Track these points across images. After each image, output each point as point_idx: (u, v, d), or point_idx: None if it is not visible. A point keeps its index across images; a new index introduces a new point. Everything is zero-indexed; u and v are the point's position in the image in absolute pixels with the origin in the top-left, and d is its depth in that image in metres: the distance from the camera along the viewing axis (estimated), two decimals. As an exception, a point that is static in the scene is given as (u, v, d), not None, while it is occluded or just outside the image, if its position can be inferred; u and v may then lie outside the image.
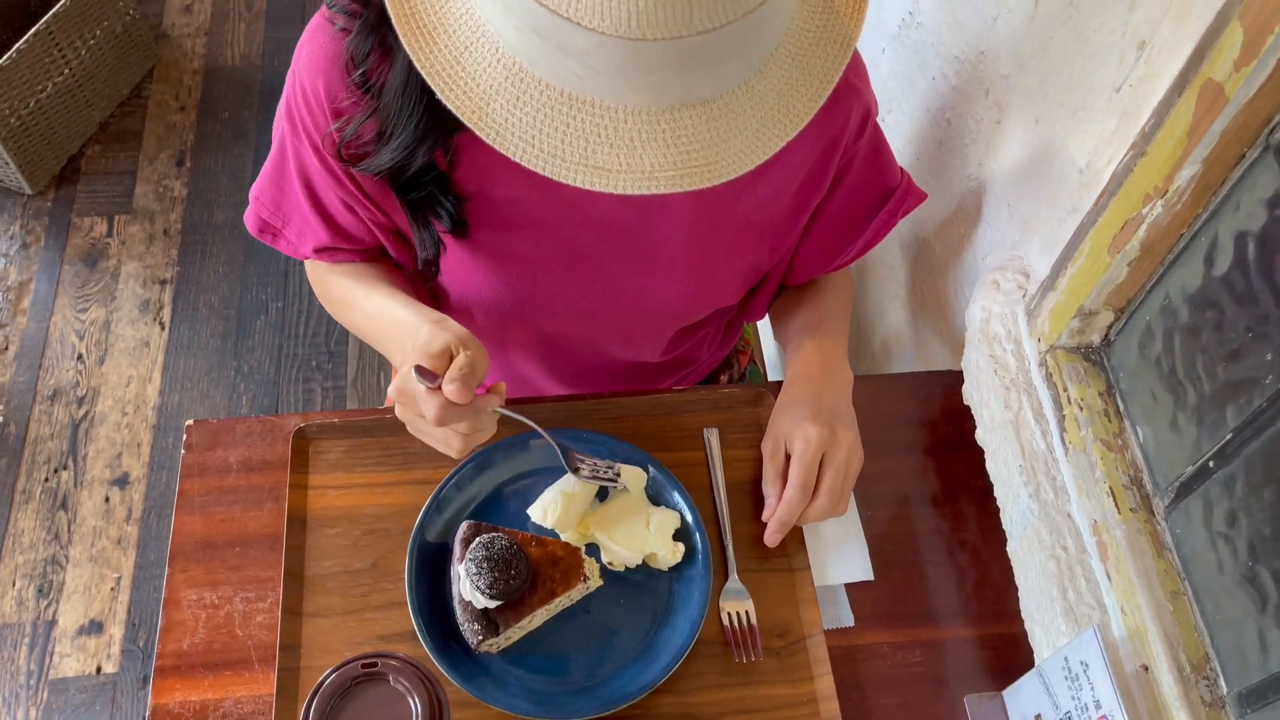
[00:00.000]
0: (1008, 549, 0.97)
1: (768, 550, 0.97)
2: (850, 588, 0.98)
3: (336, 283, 1.03)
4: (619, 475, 0.95)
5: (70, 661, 1.84)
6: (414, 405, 0.83)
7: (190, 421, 1.04)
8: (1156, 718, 0.77)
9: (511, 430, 1.01)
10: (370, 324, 0.98)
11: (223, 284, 2.28)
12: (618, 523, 0.96)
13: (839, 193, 1.01)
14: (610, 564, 0.96)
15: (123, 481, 2.03)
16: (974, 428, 1.03)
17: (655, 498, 0.99)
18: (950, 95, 1.16)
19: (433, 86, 0.68)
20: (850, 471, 0.96)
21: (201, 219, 2.37)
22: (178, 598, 0.95)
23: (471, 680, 0.88)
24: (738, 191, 0.96)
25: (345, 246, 0.99)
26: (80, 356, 2.17)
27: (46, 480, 2.03)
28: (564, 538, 0.95)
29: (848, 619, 0.97)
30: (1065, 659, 0.80)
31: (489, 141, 0.68)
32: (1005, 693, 0.90)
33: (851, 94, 0.93)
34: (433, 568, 0.94)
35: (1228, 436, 0.74)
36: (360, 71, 0.84)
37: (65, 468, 2.04)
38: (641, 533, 0.96)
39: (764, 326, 1.76)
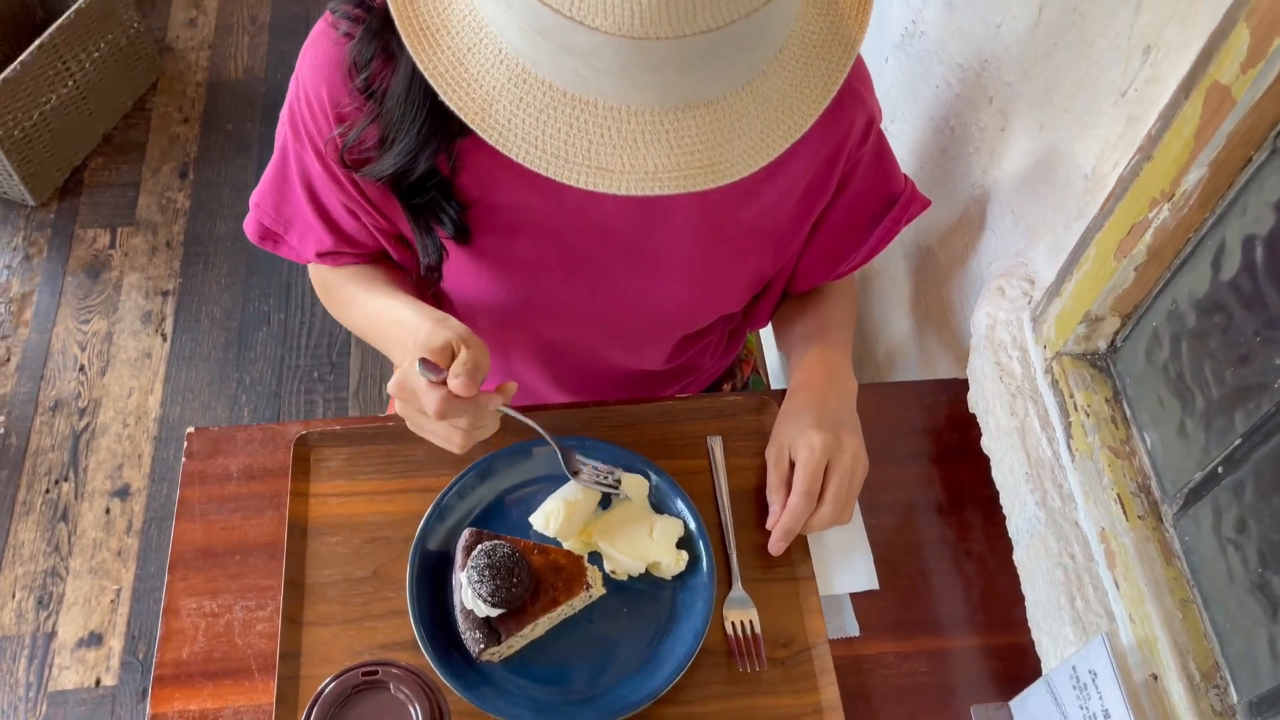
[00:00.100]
0: (1014, 557, 0.96)
1: (772, 559, 0.97)
2: (855, 597, 0.98)
3: (339, 284, 1.03)
4: (620, 482, 0.95)
5: (69, 674, 1.83)
6: (414, 400, 0.82)
7: (191, 429, 1.04)
8: (1166, 727, 0.76)
9: (514, 438, 1.00)
10: (372, 324, 0.97)
11: (225, 295, 2.28)
12: (620, 531, 0.95)
13: (843, 199, 1.01)
14: (613, 572, 0.95)
15: (123, 493, 2.03)
16: (979, 435, 1.02)
17: (658, 506, 0.98)
18: (954, 103, 1.15)
19: (435, 88, 0.68)
20: (855, 479, 0.95)
21: (204, 231, 2.37)
22: (177, 606, 0.94)
23: (473, 689, 0.88)
24: (741, 198, 0.96)
25: (348, 250, 0.99)
26: (82, 368, 2.17)
27: (47, 492, 2.02)
28: (566, 546, 0.94)
29: (853, 628, 0.96)
30: (1073, 668, 0.79)
31: (492, 143, 0.68)
32: (1013, 703, 0.89)
33: (855, 100, 0.93)
34: (434, 576, 0.93)
35: (1237, 441, 0.73)
36: (363, 77, 0.84)
37: (66, 479, 2.04)
38: (644, 541, 0.95)
39: (767, 335, 1.76)
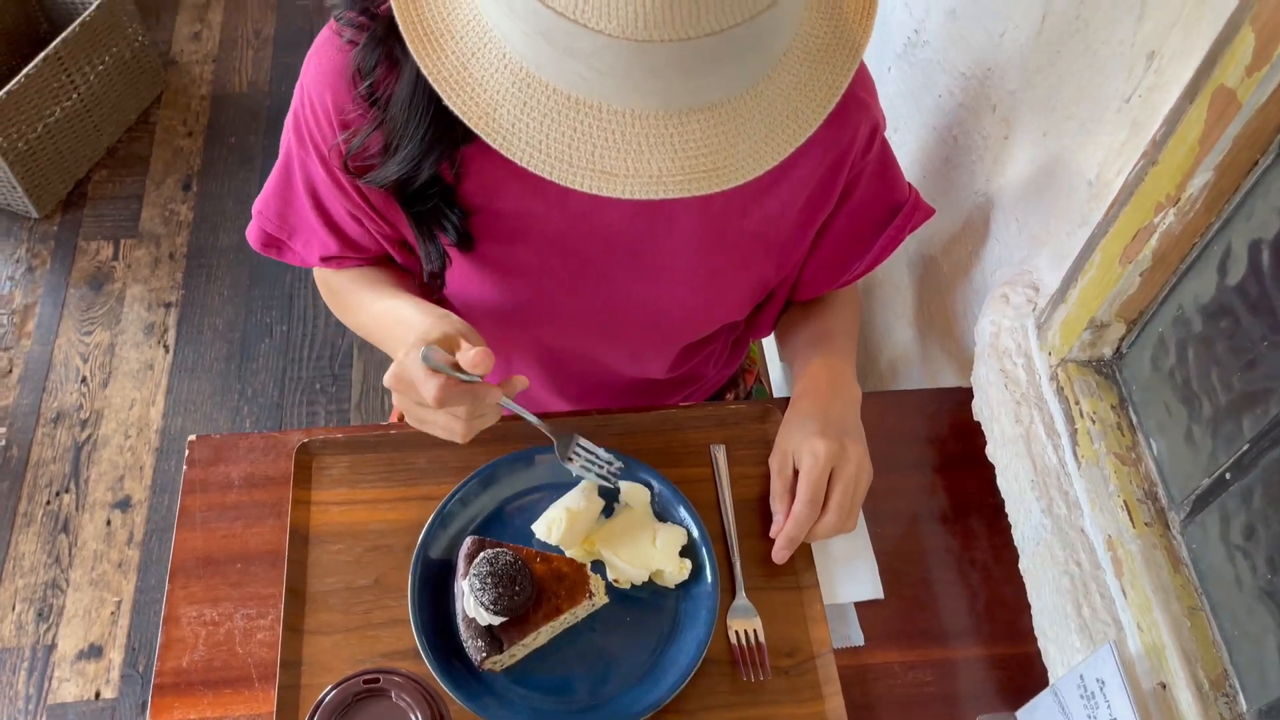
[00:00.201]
0: (1020, 566, 0.95)
1: (776, 568, 0.96)
2: (860, 606, 0.97)
3: (344, 287, 1.03)
4: (620, 472, 0.94)
5: (69, 686, 1.82)
6: (412, 391, 0.81)
7: (193, 437, 1.03)
8: (1175, 736, 0.76)
9: (516, 446, 1.00)
10: (376, 324, 0.97)
11: (227, 307, 2.28)
12: (623, 539, 0.95)
13: (846, 208, 1.01)
14: (616, 581, 0.94)
15: (124, 505, 2.02)
16: (984, 444, 1.02)
17: (661, 514, 0.98)
18: (957, 112, 1.15)
19: (439, 93, 0.68)
20: (859, 487, 0.94)
21: (207, 243, 2.38)
22: (177, 614, 0.93)
23: (475, 699, 0.87)
24: (745, 206, 0.96)
25: (352, 255, 0.99)
26: (84, 379, 2.17)
27: (48, 503, 2.02)
28: (569, 554, 0.94)
29: (857, 638, 0.95)
30: (1081, 676, 0.78)
31: (495, 146, 0.68)
32: (1019, 712, 0.88)
33: (859, 108, 0.93)
34: (436, 584, 0.93)
35: (1244, 447, 0.72)
36: (367, 84, 0.84)
37: (67, 491, 2.03)
38: (647, 549, 0.94)
39: (769, 345, 1.76)
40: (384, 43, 0.83)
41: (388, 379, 0.83)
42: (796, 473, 0.95)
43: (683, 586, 0.94)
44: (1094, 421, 0.87)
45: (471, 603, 0.87)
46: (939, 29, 1.17)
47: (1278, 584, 0.69)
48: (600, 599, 0.92)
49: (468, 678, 0.89)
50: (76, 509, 2.01)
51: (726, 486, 1.01)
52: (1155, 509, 0.83)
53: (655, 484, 0.98)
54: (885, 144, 1.00)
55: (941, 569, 1.00)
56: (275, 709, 0.87)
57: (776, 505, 0.96)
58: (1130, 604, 0.81)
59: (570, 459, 0.94)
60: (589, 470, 0.94)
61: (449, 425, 0.84)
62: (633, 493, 0.97)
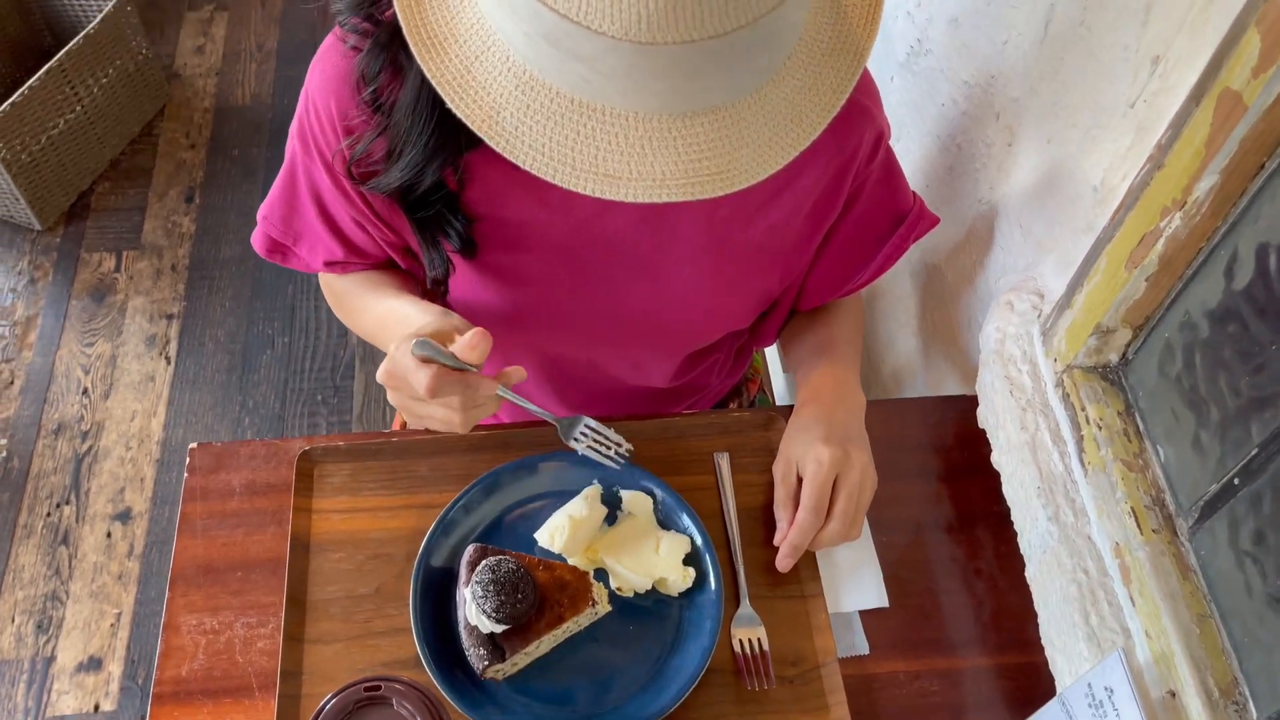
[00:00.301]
0: (1026, 574, 0.95)
1: (780, 576, 0.95)
2: (865, 615, 0.96)
3: (349, 291, 1.02)
4: (630, 455, 0.92)
5: (68, 699, 1.81)
6: (405, 385, 0.81)
7: (194, 444, 1.03)
8: (1185, 745, 0.75)
9: (519, 453, 0.99)
10: (379, 325, 0.97)
11: (229, 319, 2.28)
12: (626, 547, 0.94)
13: (851, 217, 1.00)
14: (619, 589, 0.94)
15: (125, 516, 2.01)
16: (988, 452, 1.01)
17: (665, 522, 0.97)
18: (960, 120, 1.15)
19: (443, 95, 0.68)
20: (864, 494, 0.94)
21: (209, 255, 2.38)
22: (177, 623, 0.93)
23: (477, 708, 0.86)
24: (749, 215, 0.96)
25: (357, 261, 0.99)
26: (85, 391, 2.17)
27: (48, 515, 2.01)
28: (572, 562, 0.93)
29: (863, 647, 0.94)
30: (1089, 685, 0.77)
31: (498, 149, 0.67)
32: (1026, 722, 0.87)
33: (864, 116, 0.93)
34: (438, 593, 0.92)
35: (1253, 452, 0.72)
36: (371, 89, 0.84)
37: (67, 502, 2.03)
38: (651, 557, 0.94)
39: (772, 355, 1.75)
40: (388, 48, 0.83)
41: (380, 374, 0.82)
42: (800, 480, 0.95)
43: (686, 595, 0.94)
44: (1100, 428, 0.87)
45: (474, 610, 0.86)
46: (942, 37, 1.17)
47: (1288, 590, 0.69)
48: (603, 607, 0.91)
49: (469, 686, 0.88)
50: (77, 521, 2.01)
51: (730, 494, 1.00)
52: (1163, 515, 0.82)
53: (658, 492, 0.97)
54: (890, 152, 1.00)
55: (947, 578, 0.99)
56: (275, 718, 0.86)
57: (780, 513, 0.95)
58: (1139, 612, 0.80)
59: (577, 439, 0.92)
60: (596, 450, 0.93)
61: (446, 417, 0.84)
62: (636, 500, 0.97)
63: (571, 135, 0.66)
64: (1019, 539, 0.96)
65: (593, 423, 0.93)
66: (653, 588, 0.94)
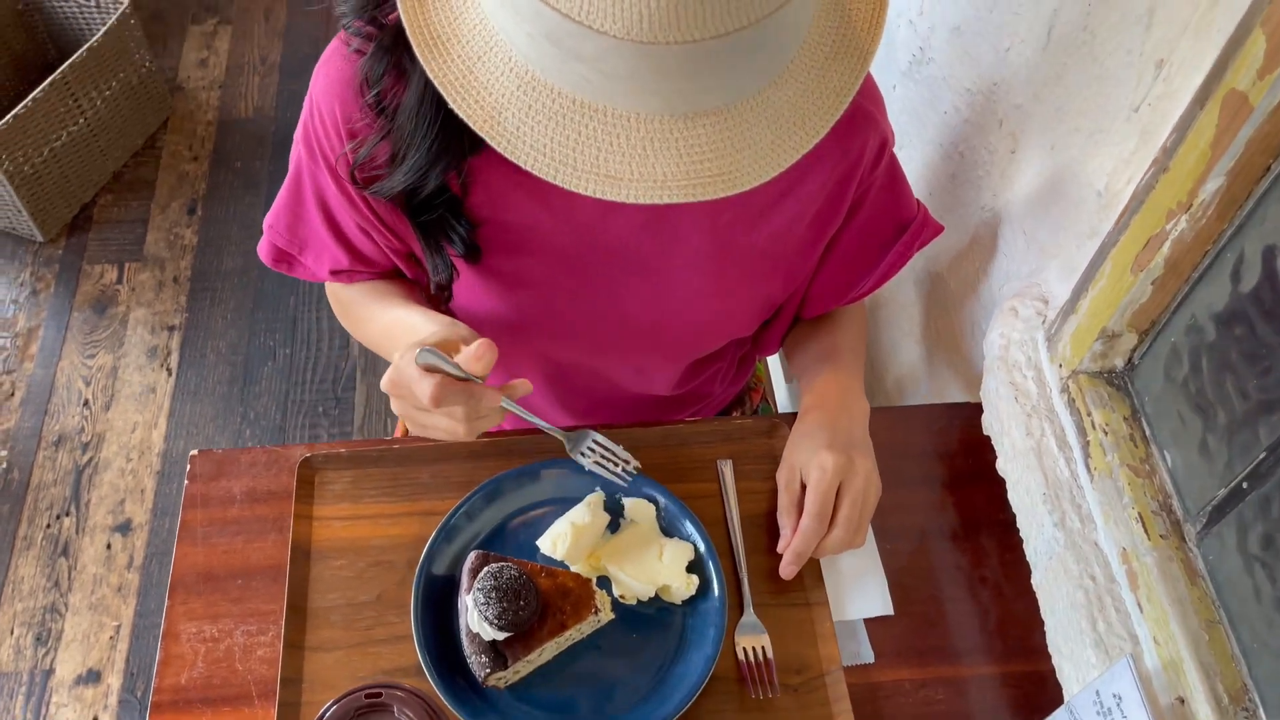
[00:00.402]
0: (1032, 581, 0.94)
1: (784, 584, 0.95)
2: (870, 623, 0.95)
3: (355, 300, 1.02)
4: (637, 472, 0.92)
5: (67, 711, 1.80)
6: (409, 394, 0.80)
7: (195, 451, 1.02)
8: (1195, 753, 0.74)
9: (521, 461, 0.99)
10: (385, 334, 0.97)
11: (231, 330, 2.28)
12: (629, 554, 0.94)
13: (854, 224, 1.00)
14: (622, 597, 0.93)
15: (125, 528, 2.01)
16: (993, 459, 1.01)
17: (668, 529, 0.96)
18: (963, 128, 1.15)
19: (444, 96, 0.68)
20: (868, 501, 0.93)
21: (211, 266, 2.38)
22: (177, 630, 0.92)
23: (479, 716, 0.85)
24: (752, 220, 0.95)
25: (363, 269, 0.98)
26: (86, 402, 2.16)
27: (48, 526, 2.00)
28: (574, 569, 0.92)
29: (867, 655, 0.94)
30: (1097, 692, 0.77)
31: (500, 150, 0.67)
32: (1033, 731, 0.86)
33: (868, 121, 0.93)
34: (439, 600, 0.91)
35: (1261, 456, 0.71)
36: (374, 93, 0.84)
37: (67, 514, 2.02)
38: (654, 564, 0.93)
39: (776, 364, 1.75)
40: (391, 51, 0.82)
41: (384, 382, 0.82)
42: (804, 487, 0.94)
43: (690, 603, 0.93)
44: (1106, 433, 0.86)
45: (475, 618, 0.85)
46: (944, 45, 1.17)
47: (1298, 595, 0.68)
48: (606, 615, 0.91)
49: (471, 694, 0.87)
50: (77, 532, 2.00)
51: (734, 502, 0.99)
52: (1170, 521, 0.81)
53: (661, 499, 0.97)
54: (894, 159, 0.99)
55: (952, 585, 0.98)
56: (275, 726, 0.86)
57: (784, 520, 0.95)
58: (1147, 618, 0.79)
59: (584, 454, 0.92)
60: (602, 466, 0.92)
61: (450, 427, 0.83)
62: (638, 508, 0.96)
63: (573, 136, 0.66)
64: (1025, 545, 0.95)
65: (600, 438, 0.92)
66: (656, 595, 0.93)
